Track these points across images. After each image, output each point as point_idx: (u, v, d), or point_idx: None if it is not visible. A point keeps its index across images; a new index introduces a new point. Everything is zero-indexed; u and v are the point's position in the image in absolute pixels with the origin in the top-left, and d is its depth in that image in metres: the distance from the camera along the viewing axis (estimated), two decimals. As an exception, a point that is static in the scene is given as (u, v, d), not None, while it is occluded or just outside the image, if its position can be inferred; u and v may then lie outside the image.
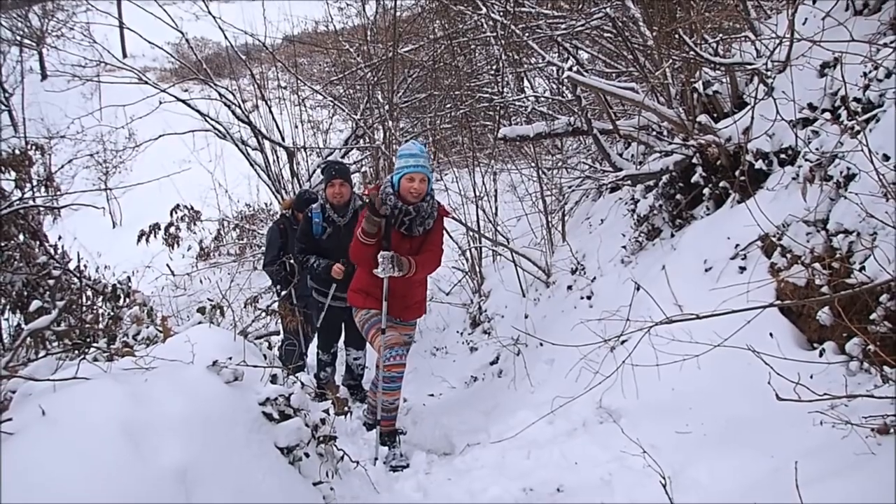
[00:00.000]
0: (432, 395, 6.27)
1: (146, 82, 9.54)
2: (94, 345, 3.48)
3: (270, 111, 10.16)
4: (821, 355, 3.47)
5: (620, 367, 3.51)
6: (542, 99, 7.68)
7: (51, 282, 4.53)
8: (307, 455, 3.24)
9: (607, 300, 5.10)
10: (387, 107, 8.80)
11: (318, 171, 9.48)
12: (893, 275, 3.01)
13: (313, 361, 6.12)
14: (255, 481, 2.84)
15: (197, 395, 2.85)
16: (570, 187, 7.40)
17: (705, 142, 4.68)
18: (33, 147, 5.42)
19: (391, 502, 3.90)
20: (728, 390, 3.67)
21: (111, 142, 17.96)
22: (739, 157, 4.54)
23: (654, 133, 5.86)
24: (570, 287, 6.10)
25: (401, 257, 4.49)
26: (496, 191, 7.87)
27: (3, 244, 4.38)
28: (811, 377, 3.18)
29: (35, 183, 5.04)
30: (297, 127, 10.59)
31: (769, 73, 4.53)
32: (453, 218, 6.21)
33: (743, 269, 4.19)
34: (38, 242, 4.69)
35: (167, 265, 10.91)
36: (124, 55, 23.29)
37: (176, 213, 11.20)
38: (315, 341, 6.02)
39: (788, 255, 3.92)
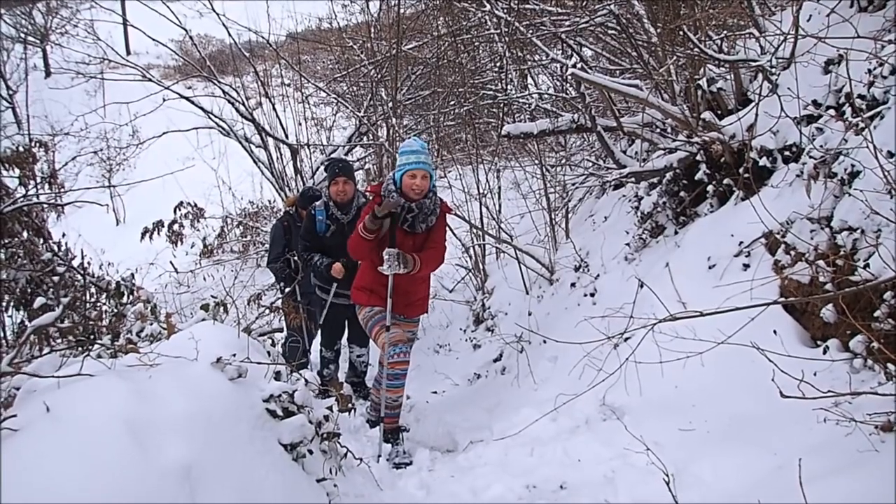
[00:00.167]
0: (435, 392, 6.27)
1: (150, 79, 9.53)
2: (98, 342, 3.48)
3: (274, 108, 10.15)
4: (825, 352, 3.47)
5: (624, 364, 3.51)
6: (546, 96, 7.68)
7: (55, 279, 4.53)
8: (311, 452, 3.24)
9: (611, 297, 5.10)
10: (390, 104, 8.80)
11: (322, 168, 9.47)
12: (898, 272, 3.01)
13: (317, 358, 6.13)
14: (258, 478, 2.85)
15: (201, 392, 2.85)
16: (573, 184, 7.39)
17: (709, 139, 4.67)
18: (37, 144, 5.42)
19: (394, 499, 3.91)
20: (731, 387, 3.67)
21: (115, 139, 17.98)
22: (743, 155, 4.53)
23: (658, 130, 5.85)
24: (573, 284, 6.09)
25: (405, 254, 4.49)
26: (500, 188, 7.88)
27: (6, 241, 4.39)
28: (815, 374, 3.17)
29: (39, 180, 5.04)
30: (300, 124, 10.59)
31: (773, 70, 4.51)
32: (456, 215, 6.21)
33: (747, 266, 4.19)
34: (41, 239, 4.69)
35: (171, 262, 10.93)
36: (128, 52, 23.33)
37: (179, 210, 11.23)
38: (318, 338, 6.02)
39: (792, 253, 3.91)
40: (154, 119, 9.45)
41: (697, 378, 3.69)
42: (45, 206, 5.43)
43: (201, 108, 9.70)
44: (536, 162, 7.24)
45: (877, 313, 3.20)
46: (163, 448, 2.43)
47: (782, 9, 5.32)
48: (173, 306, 8.96)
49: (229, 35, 9.69)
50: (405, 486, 4.10)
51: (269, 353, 3.71)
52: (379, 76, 9.46)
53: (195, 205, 11.49)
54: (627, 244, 5.66)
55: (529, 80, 9.07)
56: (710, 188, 4.97)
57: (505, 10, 6.59)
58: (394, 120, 8.65)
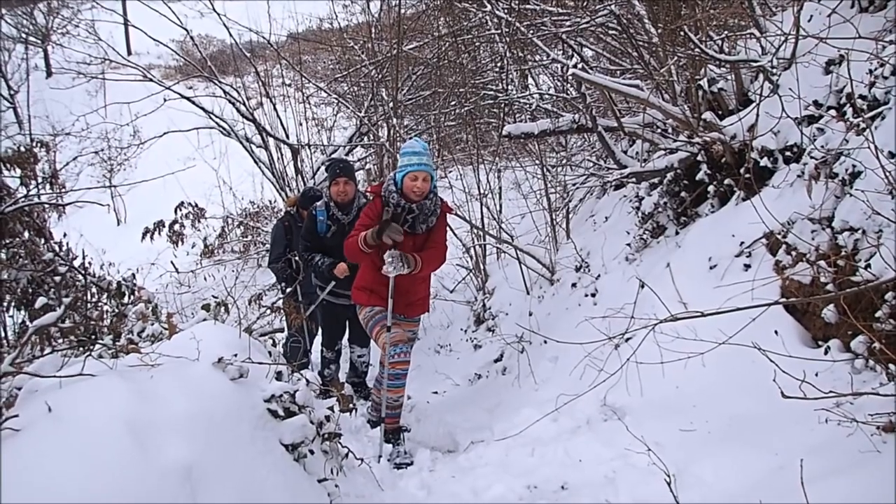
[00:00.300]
0: (436, 392, 6.27)
1: (151, 80, 9.55)
2: (100, 342, 3.49)
3: (275, 108, 10.16)
4: (826, 353, 3.47)
5: (625, 364, 3.51)
6: (547, 96, 7.69)
7: (56, 279, 4.54)
8: (312, 452, 3.24)
9: (612, 298, 5.10)
10: (391, 104, 8.80)
11: (323, 168, 9.48)
12: (899, 273, 3.01)
13: (318, 359, 6.13)
14: (259, 478, 2.84)
15: (202, 392, 2.85)
16: (574, 185, 7.39)
17: (710, 139, 4.67)
18: (38, 144, 5.43)
19: (395, 500, 3.91)
20: (733, 388, 3.67)
21: (116, 139, 18.01)
22: (744, 155, 4.53)
23: (659, 130, 5.85)
24: (574, 284, 6.09)
25: (407, 255, 4.49)
26: (500, 188, 7.88)
27: (8, 241, 4.39)
28: (816, 375, 3.18)
29: (40, 180, 5.04)
30: (301, 124, 10.60)
31: (774, 71, 4.51)
32: (457, 215, 6.21)
33: (748, 266, 4.18)
34: (43, 240, 4.70)
35: (172, 262, 10.93)
36: (129, 52, 23.32)
37: (180, 210, 11.23)
38: (319, 338, 6.03)
39: (793, 253, 3.91)
40: (155, 119, 9.46)
41: (698, 378, 3.69)
42: (47, 206, 5.44)
43: (202, 109, 9.70)
44: (537, 162, 7.25)
45: (878, 314, 3.20)
46: (164, 448, 2.43)
47: (783, 9, 5.32)
48: (174, 306, 8.93)
49: (230, 35, 9.70)
50: (406, 487, 4.10)
51: (270, 353, 3.71)
52: (380, 76, 9.46)
53: (196, 205, 11.49)
54: (628, 244, 5.66)
55: (530, 80, 9.06)
56: (710, 188, 4.97)
57: (506, 11, 6.60)
58: (394, 120, 8.66)
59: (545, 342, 5.26)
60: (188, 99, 9.48)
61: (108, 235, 12.24)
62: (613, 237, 5.98)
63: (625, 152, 6.36)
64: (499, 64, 8.83)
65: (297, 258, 5.71)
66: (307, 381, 3.50)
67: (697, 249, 4.64)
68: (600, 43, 7.16)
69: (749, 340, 2.98)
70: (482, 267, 7.78)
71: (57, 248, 4.71)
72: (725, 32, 5.48)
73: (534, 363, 5.35)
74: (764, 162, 4.45)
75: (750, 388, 3.49)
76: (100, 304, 4.74)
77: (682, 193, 5.28)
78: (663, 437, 3.64)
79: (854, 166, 3.63)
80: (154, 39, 9.57)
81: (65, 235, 5.05)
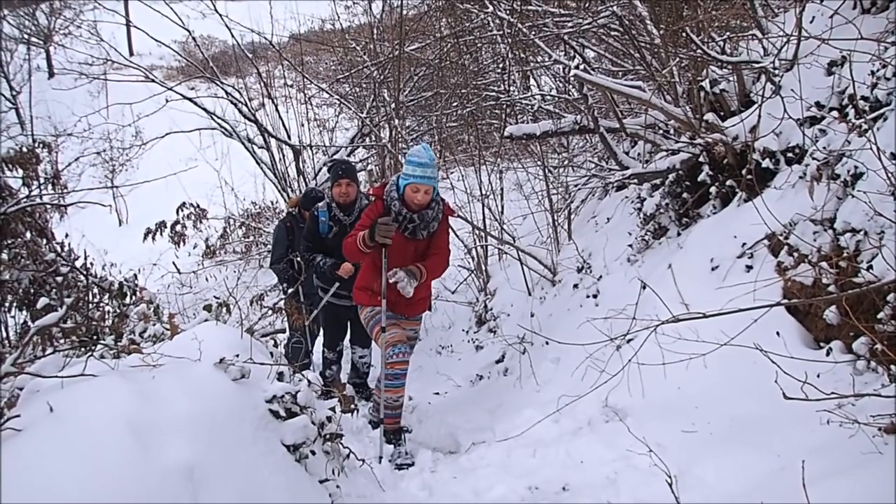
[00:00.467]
0: (438, 393, 6.27)
1: (153, 80, 9.55)
2: (102, 342, 3.49)
3: (277, 109, 10.17)
4: (828, 354, 3.46)
5: (626, 365, 3.51)
6: (549, 97, 7.68)
7: (58, 279, 4.55)
8: (313, 453, 3.24)
9: (613, 299, 5.09)
10: (393, 105, 8.81)
11: (325, 169, 9.48)
12: (901, 274, 3.00)
13: (319, 359, 6.14)
14: (261, 479, 2.85)
15: (204, 393, 2.85)
16: (576, 186, 7.39)
17: (712, 140, 4.66)
18: (40, 145, 5.44)
19: (396, 500, 3.91)
20: (734, 389, 3.67)
21: (118, 140, 18.05)
22: (746, 156, 4.52)
23: (661, 131, 5.85)
24: (576, 286, 6.09)
25: (411, 269, 4.49)
26: (502, 189, 7.87)
27: (10, 242, 4.39)
28: (818, 376, 3.17)
29: (42, 181, 5.06)
30: (303, 125, 10.61)
31: (776, 72, 4.51)
32: (459, 216, 6.21)
33: (750, 267, 4.18)
34: (45, 240, 4.71)
35: (173, 263, 10.95)
36: (131, 53, 23.34)
37: (182, 211, 11.25)
38: (321, 339, 6.03)
39: (795, 254, 3.90)
40: (157, 120, 9.46)
41: (700, 379, 3.69)
42: (49, 206, 5.44)
43: (204, 109, 9.72)
44: (539, 163, 7.24)
45: (880, 315, 3.20)
46: (165, 448, 2.43)
47: (785, 10, 5.32)
48: (176, 307, 8.95)
49: (232, 36, 9.72)
50: (407, 487, 4.10)
51: (271, 354, 3.71)
52: (382, 77, 9.47)
53: (198, 205, 11.51)
54: (630, 245, 5.66)
55: (532, 81, 9.06)
56: (712, 190, 4.97)
57: (507, 12, 6.60)
58: (396, 121, 8.66)
59: (547, 343, 5.25)
60: (190, 100, 9.49)
61: (109, 236, 12.27)
62: (615, 238, 5.98)
63: (627, 153, 6.36)
64: (501, 65, 8.84)
65: (298, 259, 5.71)
66: (309, 381, 3.50)
67: (699, 250, 4.64)
68: (602, 44, 7.16)
69: (751, 342, 2.97)
70: (484, 268, 7.78)
71: (59, 249, 4.72)
72: (727, 34, 5.47)
73: (535, 364, 5.34)
74: (766, 163, 4.44)
75: (752, 389, 3.48)
76: (101, 304, 4.74)
77: (684, 194, 5.28)
78: (665, 438, 3.63)
79: (856, 167, 3.63)
80: (156, 40, 9.59)
81: (67, 236, 5.07)
